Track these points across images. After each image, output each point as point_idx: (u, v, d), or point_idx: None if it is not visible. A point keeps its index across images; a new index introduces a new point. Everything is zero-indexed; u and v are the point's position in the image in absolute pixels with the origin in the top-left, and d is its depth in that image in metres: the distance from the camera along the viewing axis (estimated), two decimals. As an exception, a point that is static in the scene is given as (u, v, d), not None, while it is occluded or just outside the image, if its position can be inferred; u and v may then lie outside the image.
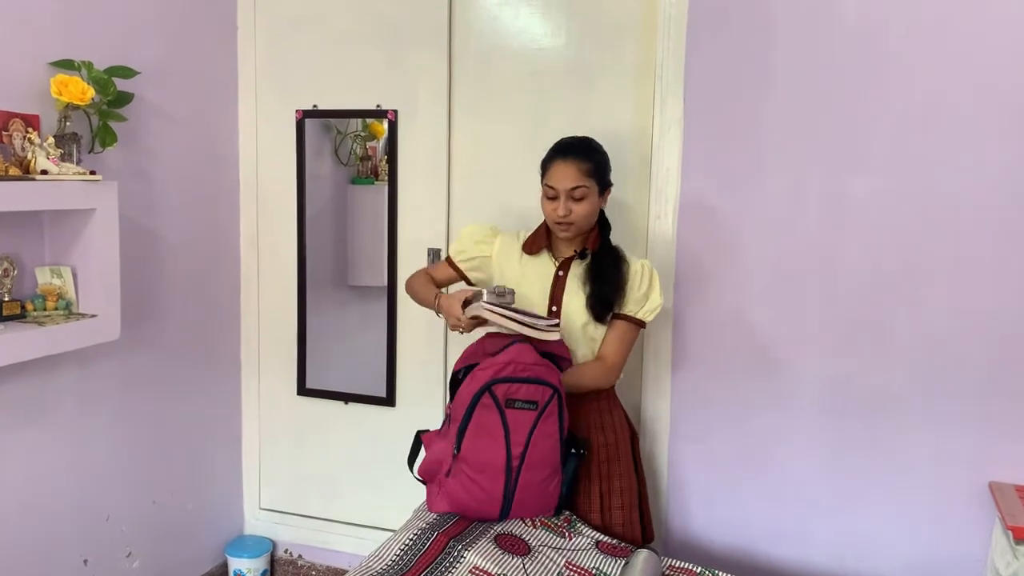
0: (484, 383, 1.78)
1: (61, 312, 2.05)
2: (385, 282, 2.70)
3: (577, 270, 2.02)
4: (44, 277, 2.06)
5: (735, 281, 2.29)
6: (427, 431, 2.03)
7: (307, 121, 2.74)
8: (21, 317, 1.98)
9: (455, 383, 1.92)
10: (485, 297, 1.86)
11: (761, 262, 2.25)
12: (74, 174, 1.96)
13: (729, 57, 2.23)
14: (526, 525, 1.87)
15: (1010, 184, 2.02)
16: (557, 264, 2.04)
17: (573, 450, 1.91)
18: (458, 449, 1.82)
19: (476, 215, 2.52)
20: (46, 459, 2.19)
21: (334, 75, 2.69)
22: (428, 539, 1.75)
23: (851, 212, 2.16)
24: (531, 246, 2.06)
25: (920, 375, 2.13)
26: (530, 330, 1.83)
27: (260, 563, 2.85)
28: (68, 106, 2.01)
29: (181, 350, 2.61)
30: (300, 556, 2.94)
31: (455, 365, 1.96)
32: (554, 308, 2.00)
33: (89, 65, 2.08)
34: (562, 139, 2.03)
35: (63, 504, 2.25)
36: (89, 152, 2.15)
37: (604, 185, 2.00)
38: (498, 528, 1.83)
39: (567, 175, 1.94)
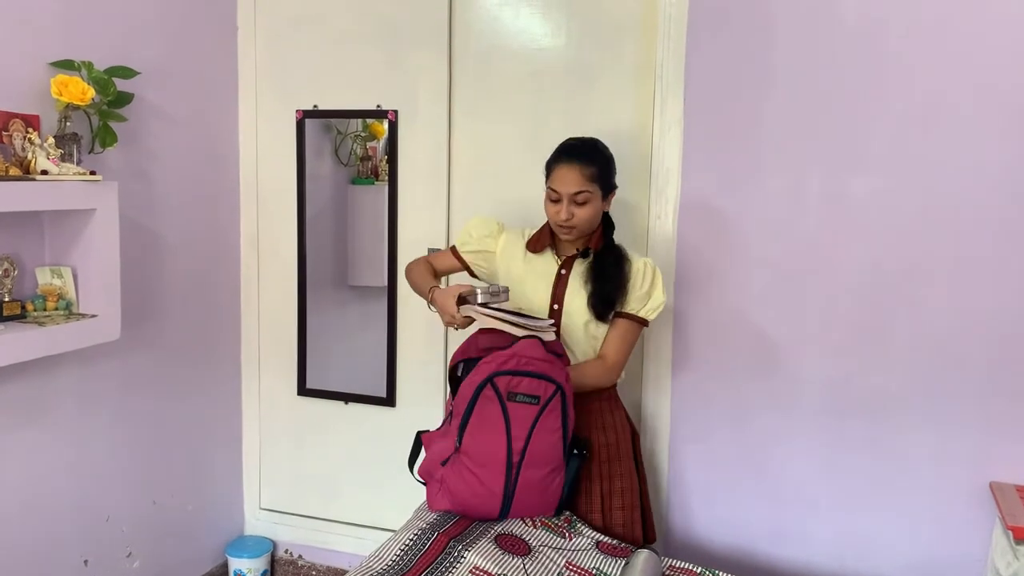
0: (487, 375, 1.78)
1: (61, 312, 2.05)
2: (385, 282, 2.70)
3: (579, 269, 2.02)
4: (44, 277, 2.07)
5: (735, 281, 2.29)
6: (427, 431, 2.03)
7: (307, 121, 2.74)
8: (21, 317, 1.98)
9: (453, 379, 1.92)
10: (479, 297, 1.85)
11: (761, 262, 2.25)
12: (74, 174, 1.96)
13: (729, 57, 2.23)
14: (526, 525, 1.87)
15: (1010, 184, 2.02)
16: (560, 263, 2.04)
17: (575, 451, 1.90)
18: (460, 442, 1.82)
19: (476, 215, 2.51)
20: (46, 459, 2.19)
21: (334, 75, 2.69)
22: (428, 539, 1.75)
23: (851, 212, 2.16)
24: (535, 244, 2.06)
25: (920, 375, 2.14)
26: (522, 331, 1.83)
27: (260, 563, 2.85)
28: (68, 106, 2.01)
29: (181, 350, 2.61)
30: (300, 556, 2.94)
31: (451, 360, 1.96)
32: (556, 307, 2.00)
33: (89, 65, 2.08)
34: (567, 140, 2.01)
35: (63, 504, 2.25)
36: (89, 152, 2.15)
37: (608, 189, 1.98)
38: (498, 528, 1.83)
39: (570, 179, 1.92)
